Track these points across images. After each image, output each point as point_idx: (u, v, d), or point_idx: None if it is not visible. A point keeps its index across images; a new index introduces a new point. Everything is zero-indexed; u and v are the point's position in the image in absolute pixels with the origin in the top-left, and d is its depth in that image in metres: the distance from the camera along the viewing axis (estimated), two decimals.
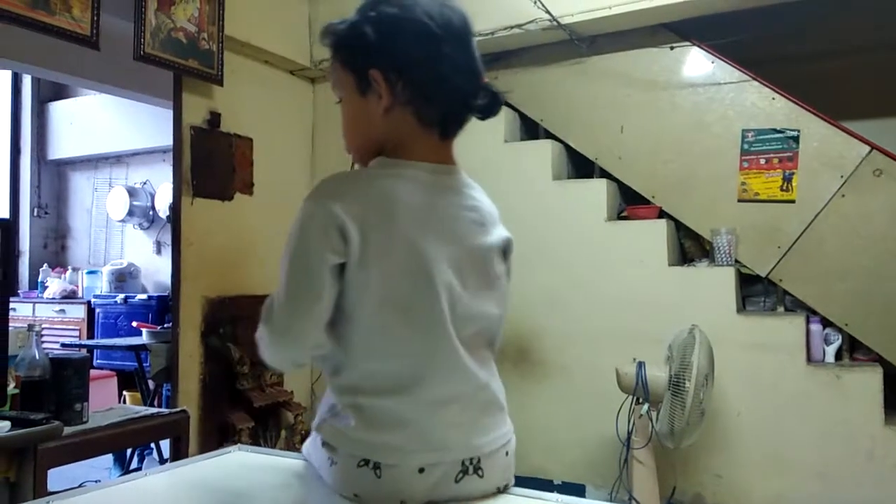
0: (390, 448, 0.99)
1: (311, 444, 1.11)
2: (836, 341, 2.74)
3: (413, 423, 1.00)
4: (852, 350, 2.77)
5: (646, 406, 2.51)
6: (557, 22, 2.98)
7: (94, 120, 5.75)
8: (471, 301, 1.04)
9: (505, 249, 1.12)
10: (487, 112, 1.06)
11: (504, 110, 2.38)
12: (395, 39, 1.00)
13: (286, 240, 0.99)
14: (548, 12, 2.96)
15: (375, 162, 1.04)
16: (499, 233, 1.11)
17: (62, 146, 5.95)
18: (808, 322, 2.74)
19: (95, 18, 2.45)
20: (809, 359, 2.72)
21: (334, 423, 1.04)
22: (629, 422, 2.58)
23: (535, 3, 2.95)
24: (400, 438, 0.99)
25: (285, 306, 0.99)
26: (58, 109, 5.96)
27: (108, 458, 3.65)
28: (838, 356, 2.74)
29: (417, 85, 1.01)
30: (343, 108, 1.08)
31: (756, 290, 2.97)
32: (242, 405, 3.07)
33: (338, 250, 0.95)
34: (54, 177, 6.15)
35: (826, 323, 2.76)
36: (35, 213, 5.98)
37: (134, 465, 3.69)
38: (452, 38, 1.01)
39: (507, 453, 1.08)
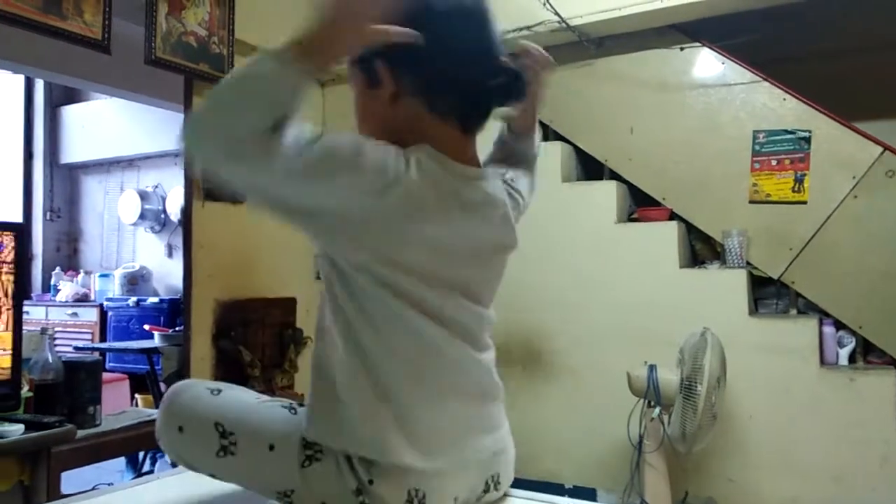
0: (439, 475, 0.90)
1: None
2: (850, 344, 2.72)
3: (446, 431, 0.91)
4: (866, 353, 2.74)
5: (657, 409, 2.50)
6: (566, 23, 2.97)
7: (105, 124, 5.78)
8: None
9: None
10: (507, 95, 0.97)
11: None
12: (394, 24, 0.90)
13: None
14: (556, 14, 2.95)
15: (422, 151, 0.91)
16: None
17: (74, 150, 5.98)
18: (821, 324, 2.71)
19: (107, 23, 2.47)
20: (823, 361, 2.69)
21: (363, 449, 0.88)
22: (640, 425, 2.57)
23: (544, 4, 2.94)
24: (442, 458, 0.90)
25: (272, 146, 0.85)
26: (70, 114, 6.00)
27: (120, 461, 3.67)
28: (852, 359, 2.72)
29: (419, 70, 0.92)
30: (355, 104, 1.03)
31: (768, 293, 2.95)
32: None
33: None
34: (66, 181, 6.18)
35: (839, 325, 2.74)
36: (48, 217, 6.01)
37: (146, 468, 3.70)
38: (458, 15, 0.92)
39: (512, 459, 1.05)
